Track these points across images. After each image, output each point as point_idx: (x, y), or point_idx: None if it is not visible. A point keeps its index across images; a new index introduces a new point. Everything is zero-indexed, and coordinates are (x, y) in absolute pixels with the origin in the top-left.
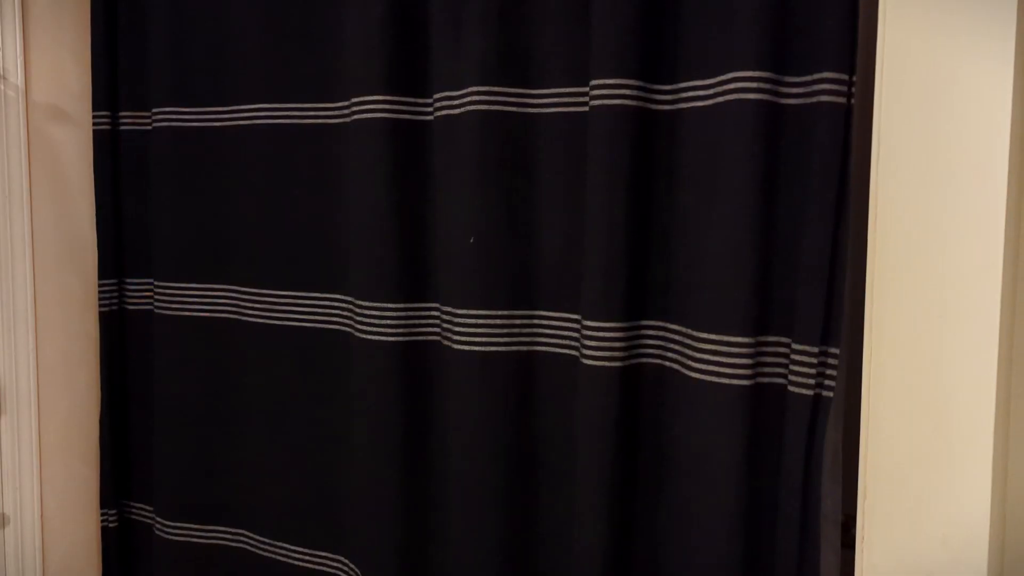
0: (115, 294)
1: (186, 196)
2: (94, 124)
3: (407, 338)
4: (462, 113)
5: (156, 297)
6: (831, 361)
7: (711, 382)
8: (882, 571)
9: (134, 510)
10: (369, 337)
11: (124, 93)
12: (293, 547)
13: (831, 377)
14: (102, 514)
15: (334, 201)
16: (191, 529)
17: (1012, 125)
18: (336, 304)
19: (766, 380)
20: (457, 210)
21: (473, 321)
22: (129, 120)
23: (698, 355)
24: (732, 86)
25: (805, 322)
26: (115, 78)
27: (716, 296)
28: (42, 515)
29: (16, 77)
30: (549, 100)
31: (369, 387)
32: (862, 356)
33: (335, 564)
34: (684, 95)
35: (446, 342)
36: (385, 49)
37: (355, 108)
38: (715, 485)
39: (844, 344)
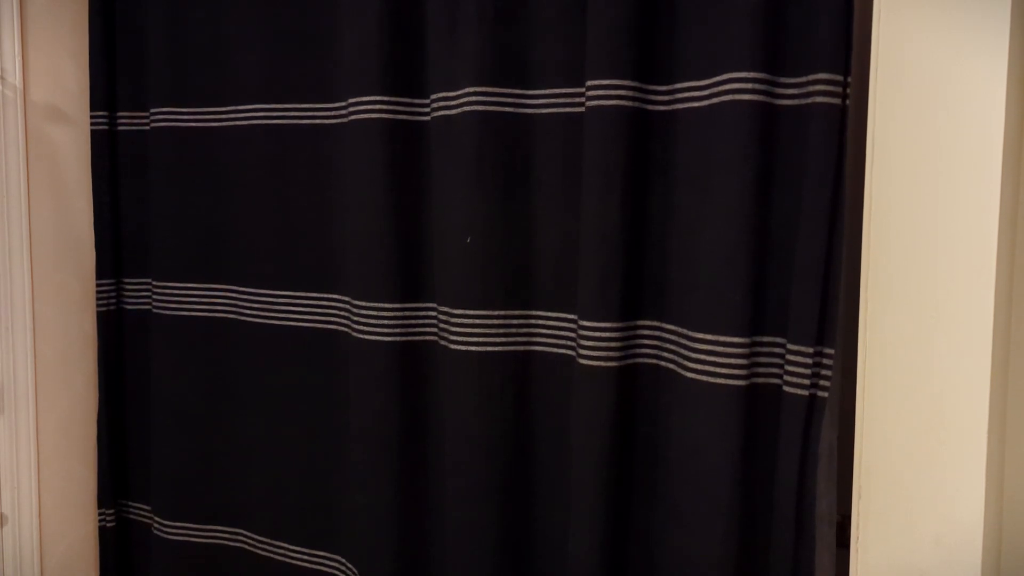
0: (113, 294)
1: (184, 196)
2: (92, 124)
3: (404, 338)
4: (459, 114)
5: (154, 297)
6: (826, 361)
7: (707, 382)
8: (876, 571)
9: (132, 510)
10: (366, 337)
11: (122, 93)
12: (291, 546)
13: (826, 377)
14: (100, 514)
15: (331, 201)
16: (189, 528)
17: (1006, 125)
18: (333, 304)
19: (761, 380)
20: (454, 210)
21: (470, 321)
22: (127, 120)
23: (694, 355)
24: (727, 87)
25: (800, 322)
26: (113, 78)
27: (712, 296)
28: (40, 515)
29: (14, 77)
30: (545, 101)
31: (366, 387)
32: (857, 356)
33: (333, 563)
34: (680, 96)
35: (443, 342)
36: (382, 50)
37: (352, 109)
38: (710, 485)
39: (839, 344)
